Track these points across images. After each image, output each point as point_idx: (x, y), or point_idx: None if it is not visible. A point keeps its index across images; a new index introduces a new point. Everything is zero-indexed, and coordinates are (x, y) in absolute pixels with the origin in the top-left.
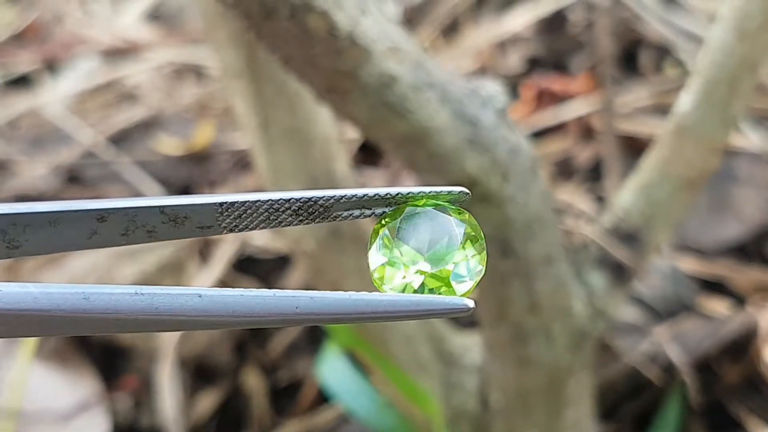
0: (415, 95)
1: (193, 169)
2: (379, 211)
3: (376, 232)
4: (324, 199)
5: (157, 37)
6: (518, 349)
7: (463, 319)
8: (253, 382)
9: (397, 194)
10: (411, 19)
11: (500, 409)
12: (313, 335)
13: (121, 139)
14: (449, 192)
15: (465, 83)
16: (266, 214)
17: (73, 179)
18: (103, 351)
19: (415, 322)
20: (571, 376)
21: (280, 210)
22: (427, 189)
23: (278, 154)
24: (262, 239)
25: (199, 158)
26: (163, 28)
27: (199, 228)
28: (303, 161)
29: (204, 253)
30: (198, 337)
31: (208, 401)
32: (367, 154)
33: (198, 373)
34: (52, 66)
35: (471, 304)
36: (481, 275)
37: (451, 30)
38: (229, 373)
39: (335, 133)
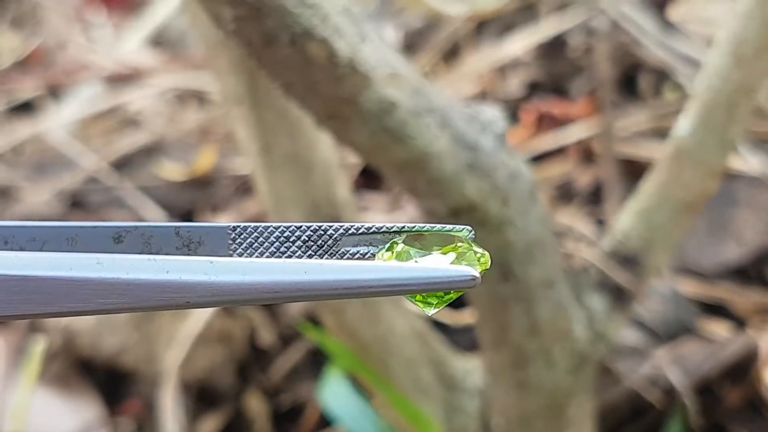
0: (415, 121)
1: (196, 194)
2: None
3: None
4: (333, 229)
5: (159, 63)
6: (519, 372)
7: (464, 343)
8: (256, 405)
9: (403, 227)
10: (411, 45)
11: None
12: (316, 359)
13: (123, 164)
14: (452, 228)
15: (465, 108)
16: (277, 243)
17: (76, 204)
18: (105, 375)
19: (417, 344)
20: (571, 400)
21: (290, 240)
22: (432, 226)
23: (279, 180)
24: None
25: (201, 183)
26: (166, 54)
27: (212, 254)
28: (304, 187)
29: None
30: (200, 361)
31: (210, 425)
32: (368, 179)
33: (200, 397)
34: (55, 92)
35: (476, 273)
36: (488, 264)
37: (451, 55)
38: (231, 397)
39: (336, 159)
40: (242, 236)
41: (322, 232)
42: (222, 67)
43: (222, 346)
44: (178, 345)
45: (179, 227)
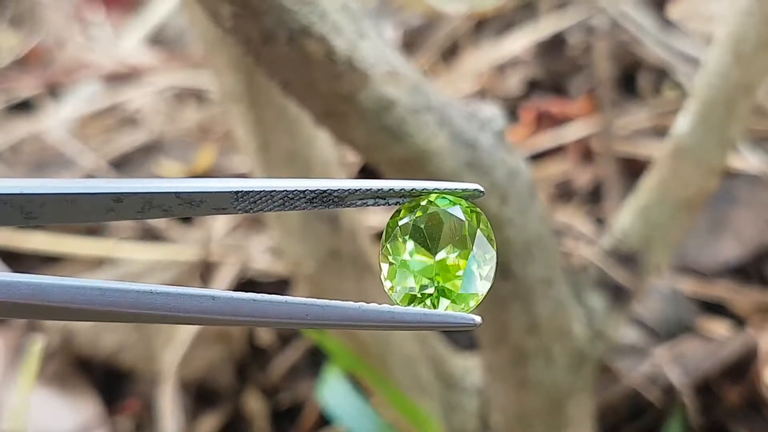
0: (414, 118)
1: None
2: (393, 200)
3: (389, 231)
4: (339, 191)
5: (158, 61)
6: (518, 370)
7: (464, 341)
8: (254, 404)
9: (412, 189)
10: (410, 43)
11: (501, 430)
12: (315, 358)
13: (122, 163)
14: (464, 190)
15: (463, 106)
16: (281, 201)
17: None
18: (104, 374)
19: (416, 343)
20: (571, 398)
21: (295, 198)
22: (441, 185)
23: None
24: (263, 262)
25: None
26: (165, 53)
27: (214, 209)
28: None
29: (205, 277)
30: (199, 360)
31: (209, 424)
32: (367, 177)
33: (199, 396)
34: (54, 91)
35: (478, 319)
36: (491, 282)
37: (450, 53)
38: (230, 396)
39: (334, 157)
40: (245, 197)
41: (327, 195)
42: (220, 66)
43: (221, 345)
44: (176, 344)
45: (180, 192)
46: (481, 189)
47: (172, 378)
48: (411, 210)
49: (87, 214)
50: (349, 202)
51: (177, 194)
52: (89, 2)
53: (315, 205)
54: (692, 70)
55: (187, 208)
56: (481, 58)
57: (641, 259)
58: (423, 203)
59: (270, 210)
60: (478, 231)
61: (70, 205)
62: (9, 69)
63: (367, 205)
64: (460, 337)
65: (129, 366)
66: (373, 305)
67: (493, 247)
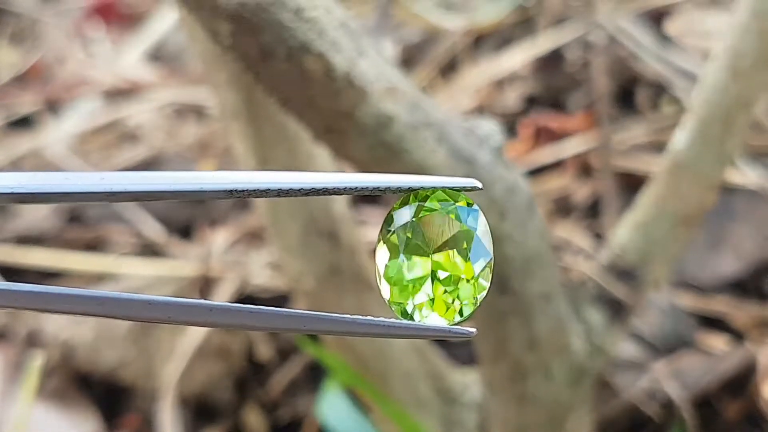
0: (413, 135)
1: (194, 209)
2: (389, 192)
3: (384, 230)
4: (334, 188)
5: (158, 77)
6: (517, 385)
7: (463, 356)
8: (254, 420)
9: (409, 187)
10: (409, 59)
11: None
12: (314, 373)
13: None
14: (463, 187)
15: (462, 122)
16: (276, 193)
17: (74, 219)
18: (104, 390)
19: (415, 359)
20: (570, 413)
21: (290, 193)
22: (438, 182)
23: None
24: (263, 278)
25: None
26: (165, 69)
27: (209, 199)
28: (301, 201)
29: (204, 292)
30: (199, 375)
31: None
32: None
33: (199, 412)
34: (54, 107)
35: (473, 331)
36: (489, 283)
37: (449, 69)
38: (229, 412)
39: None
40: (240, 194)
41: (323, 191)
42: (220, 82)
43: (220, 360)
44: (176, 359)
45: (175, 192)
46: (480, 185)
47: (172, 393)
48: (406, 206)
49: (79, 200)
50: (344, 193)
51: (173, 195)
52: (89, 19)
53: (310, 195)
54: (690, 85)
55: (178, 197)
56: (479, 74)
57: (640, 274)
58: (419, 201)
59: (266, 197)
60: (476, 233)
61: (63, 197)
62: (9, 85)
63: (365, 194)
64: (460, 352)
65: (129, 381)
66: (371, 318)
67: (490, 247)
